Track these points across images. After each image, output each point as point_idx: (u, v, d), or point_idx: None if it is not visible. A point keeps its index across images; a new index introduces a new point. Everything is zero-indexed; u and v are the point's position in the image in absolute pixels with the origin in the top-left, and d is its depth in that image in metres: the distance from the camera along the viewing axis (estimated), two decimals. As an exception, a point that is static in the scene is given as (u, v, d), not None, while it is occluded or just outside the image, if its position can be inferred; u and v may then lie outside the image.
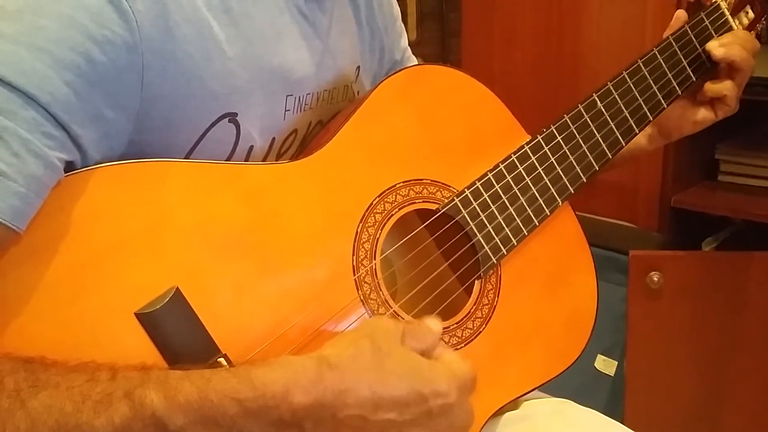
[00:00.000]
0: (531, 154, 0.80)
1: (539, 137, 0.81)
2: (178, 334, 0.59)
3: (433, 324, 0.64)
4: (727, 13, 0.93)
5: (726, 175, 1.52)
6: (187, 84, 0.64)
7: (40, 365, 0.53)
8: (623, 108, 0.86)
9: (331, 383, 0.55)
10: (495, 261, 0.77)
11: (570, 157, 0.82)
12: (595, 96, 0.84)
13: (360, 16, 0.86)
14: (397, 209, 0.73)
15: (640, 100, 0.87)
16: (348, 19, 0.84)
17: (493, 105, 0.81)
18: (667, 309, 1.44)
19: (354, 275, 0.69)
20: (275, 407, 0.53)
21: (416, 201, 0.74)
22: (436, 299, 0.75)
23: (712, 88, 0.91)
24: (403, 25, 0.96)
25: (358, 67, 0.86)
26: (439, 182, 0.76)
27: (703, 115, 0.93)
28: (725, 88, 0.90)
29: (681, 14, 0.92)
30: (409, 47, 0.98)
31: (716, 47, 0.89)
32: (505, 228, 0.77)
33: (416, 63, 0.95)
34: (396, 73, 0.77)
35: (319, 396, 0.54)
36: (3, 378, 0.51)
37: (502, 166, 0.78)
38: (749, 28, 0.96)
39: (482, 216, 0.76)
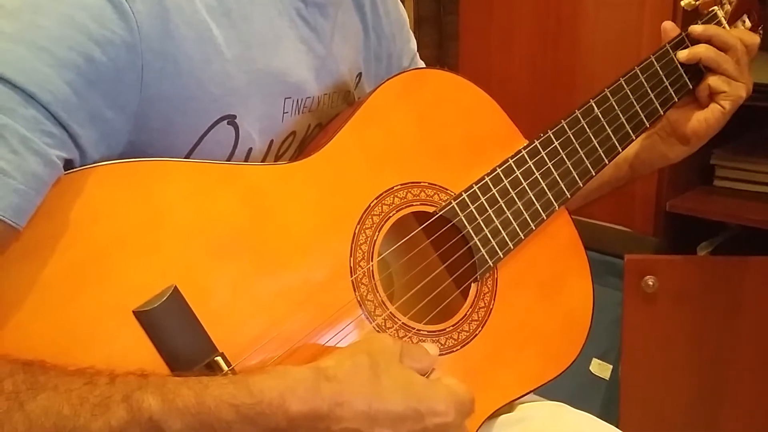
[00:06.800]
0: (528, 159, 0.80)
1: (536, 142, 0.81)
2: (175, 332, 0.59)
3: (430, 348, 0.65)
4: (724, 21, 0.93)
5: (722, 180, 1.52)
6: (185, 85, 0.64)
7: (39, 368, 0.53)
8: (620, 114, 0.86)
9: (327, 395, 0.55)
10: (491, 264, 0.77)
11: (567, 162, 0.82)
12: (592, 102, 0.85)
13: (367, 22, 0.86)
14: (394, 211, 0.73)
15: (637, 107, 0.87)
16: (353, 25, 0.84)
17: (491, 109, 0.82)
18: (662, 313, 1.44)
19: (351, 276, 0.69)
20: (272, 414, 0.54)
21: (414, 203, 0.75)
22: (433, 301, 0.75)
23: (702, 83, 0.91)
24: (410, 30, 0.96)
25: (360, 74, 0.86)
26: (436, 185, 0.76)
27: (711, 111, 0.91)
28: (710, 80, 0.89)
29: (668, 25, 0.92)
30: (417, 52, 0.97)
31: (681, 51, 0.89)
32: (502, 231, 0.78)
33: (424, 67, 0.95)
34: (394, 76, 0.77)
35: (315, 406, 0.55)
36: (2, 380, 0.51)
37: (499, 170, 0.78)
38: (747, 36, 0.97)
39: (479, 219, 0.77)
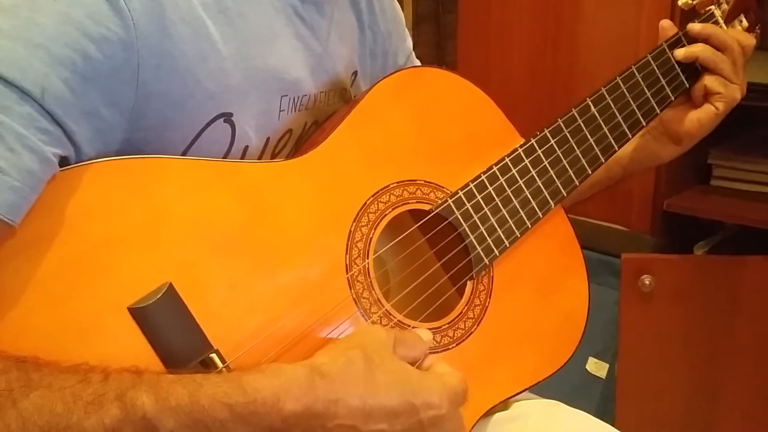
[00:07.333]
0: (524, 157, 0.80)
1: (533, 140, 0.81)
2: (170, 329, 0.59)
3: (423, 333, 0.66)
4: (721, 21, 0.93)
5: (719, 179, 1.52)
6: (182, 82, 0.64)
7: (32, 365, 0.53)
8: (617, 113, 0.86)
9: (322, 392, 0.55)
10: (487, 262, 0.77)
11: (563, 160, 0.82)
12: (588, 101, 0.85)
13: (362, 20, 0.86)
14: (390, 209, 0.73)
15: (634, 105, 0.87)
16: (349, 23, 0.84)
17: (488, 107, 0.82)
18: (658, 312, 1.44)
19: (347, 274, 0.69)
20: (265, 413, 0.54)
21: (410, 201, 0.75)
22: (429, 299, 0.75)
23: (698, 83, 0.90)
24: (407, 29, 0.96)
25: (355, 72, 0.86)
26: (432, 183, 0.76)
27: (704, 111, 0.91)
28: (706, 80, 0.89)
29: (666, 23, 0.92)
30: (413, 51, 0.98)
31: (678, 50, 0.89)
32: (498, 230, 0.78)
33: (419, 65, 0.95)
34: (391, 74, 0.77)
35: (309, 404, 0.55)
36: None
37: (495, 169, 0.78)
38: (743, 36, 0.97)
39: (475, 217, 0.77)
